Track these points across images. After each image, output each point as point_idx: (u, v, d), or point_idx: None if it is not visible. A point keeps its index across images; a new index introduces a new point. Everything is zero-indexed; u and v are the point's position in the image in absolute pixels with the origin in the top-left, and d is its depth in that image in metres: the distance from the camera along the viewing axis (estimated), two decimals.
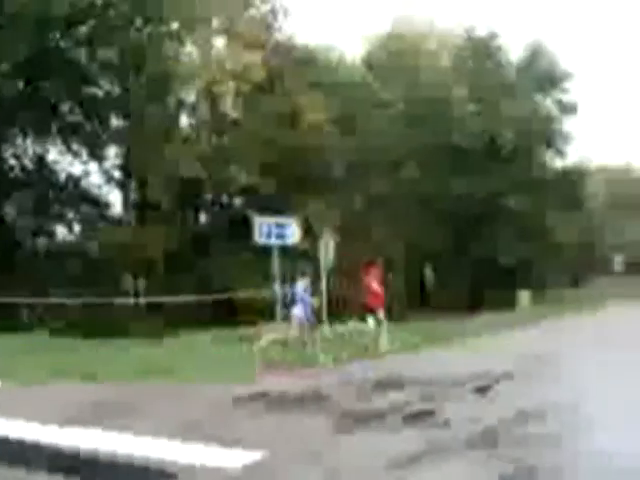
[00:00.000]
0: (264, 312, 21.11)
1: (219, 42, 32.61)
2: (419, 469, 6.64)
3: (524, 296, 32.38)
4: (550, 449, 7.42)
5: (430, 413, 9.07)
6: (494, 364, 13.26)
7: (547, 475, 6.54)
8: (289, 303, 15.94)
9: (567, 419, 8.92)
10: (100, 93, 30.83)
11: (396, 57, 40.25)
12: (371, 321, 16.24)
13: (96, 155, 30.93)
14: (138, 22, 30.02)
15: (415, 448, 7.26)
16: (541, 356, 14.85)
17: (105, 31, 28.12)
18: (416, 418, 8.83)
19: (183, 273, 29.13)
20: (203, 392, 11.14)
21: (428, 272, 16.87)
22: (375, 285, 16.44)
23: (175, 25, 30.98)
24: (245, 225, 22.04)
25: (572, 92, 42.96)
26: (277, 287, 18.02)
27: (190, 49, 31.89)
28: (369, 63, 41.14)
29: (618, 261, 49.53)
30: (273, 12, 33.48)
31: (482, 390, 10.81)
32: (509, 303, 31.57)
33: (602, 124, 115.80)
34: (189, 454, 7.00)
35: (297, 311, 15.32)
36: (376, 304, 16.34)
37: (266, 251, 20.41)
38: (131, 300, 27.94)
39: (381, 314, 16.38)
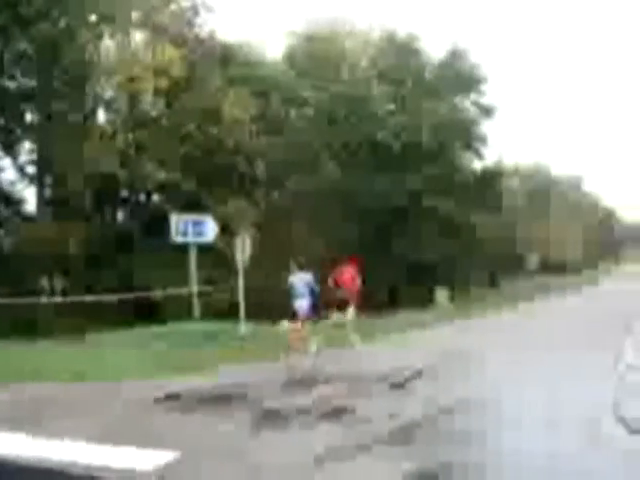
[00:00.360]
0: (186, 309, 20.91)
1: (139, 37, 32.13)
2: (335, 466, 6.68)
3: (442, 294, 32.87)
4: (464, 445, 7.57)
5: (349, 409, 9.14)
6: (414, 360, 13.49)
7: (462, 470, 6.66)
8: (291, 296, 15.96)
9: (480, 415, 9.15)
10: (14, 86, 29.98)
11: (318, 55, 40.35)
12: (350, 315, 16.79)
13: (10, 150, 30.10)
14: (54, 13, 29.24)
15: (332, 444, 7.30)
16: (458, 353, 15.17)
17: (19, 22, 27.34)
18: (334, 414, 8.88)
19: (103, 271, 28.60)
20: (122, 392, 10.95)
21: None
22: (349, 281, 16.95)
23: (93, 18, 30.35)
24: (165, 222, 21.79)
25: (489, 94, 44.02)
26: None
27: (109, 43, 31.28)
28: (291, 60, 41.13)
29: (533, 260, 50.76)
30: (194, 8, 33.16)
31: (401, 386, 10.97)
32: (428, 300, 32.00)
33: (513, 124, 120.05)
34: (107, 456, 6.87)
35: (303, 303, 15.56)
36: (351, 298, 16.91)
37: (186, 249, 20.29)
38: (46, 299, 27.22)
39: (351, 310, 16.93)
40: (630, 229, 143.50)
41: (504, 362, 13.50)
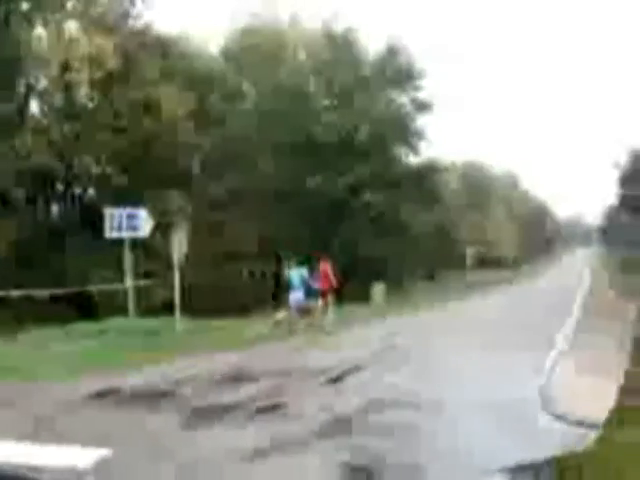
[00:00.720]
0: (122, 306, 20.58)
1: (72, 26, 31.36)
2: (268, 461, 6.67)
3: (378, 291, 32.95)
4: (399, 439, 7.64)
5: (284, 404, 9.14)
6: (351, 355, 13.65)
7: (395, 464, 6.70)
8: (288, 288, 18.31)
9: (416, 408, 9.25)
10: None
11: (254, 50, 40.07)
12: (319, 303, 18.90)
13: None
14: None
15: (265, 440, 7.28)
16: (394, 348, 15.40)
17: None
18: (269, 410, 8.86)
19: (36, 268, 27.95)
20: (53, 389, 10.74)
21: (285, 266, 17.84)
22: (326, 274, 19.10)
23: (25, 5, 29.60)
24: (99, 217, 21.42)
25: (426, 90, 44.04)
26: None
27: (41, 31, 30.49)
28: (230, 54, 40.78)
29: (470, 255, 51.35)
30: None
31: (337, 380, 11.03)
32: (365, 297, 32.05)
33: (451, 120, 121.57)
34: (38, 454, 6.73)
35: (298, 296, 17.87)
36: (326, 289, 19.10)
37: (121, 243, 20.00)
38: None
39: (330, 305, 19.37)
40: (562, 224, 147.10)
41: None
